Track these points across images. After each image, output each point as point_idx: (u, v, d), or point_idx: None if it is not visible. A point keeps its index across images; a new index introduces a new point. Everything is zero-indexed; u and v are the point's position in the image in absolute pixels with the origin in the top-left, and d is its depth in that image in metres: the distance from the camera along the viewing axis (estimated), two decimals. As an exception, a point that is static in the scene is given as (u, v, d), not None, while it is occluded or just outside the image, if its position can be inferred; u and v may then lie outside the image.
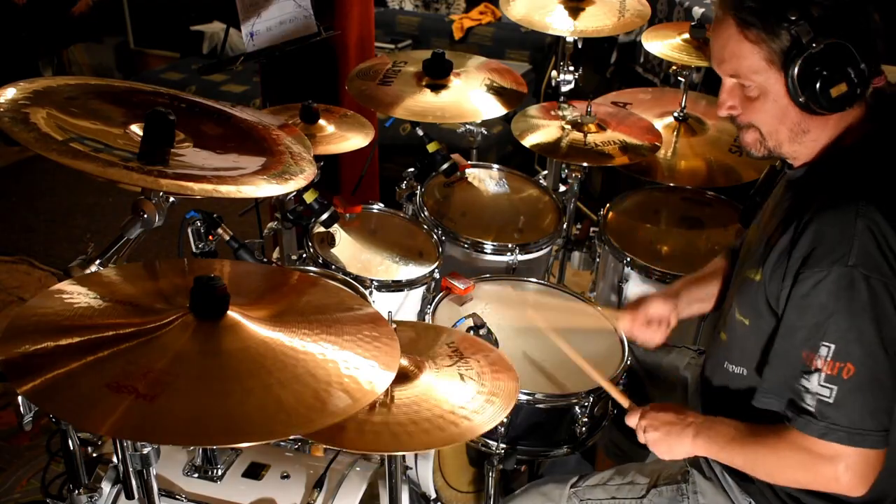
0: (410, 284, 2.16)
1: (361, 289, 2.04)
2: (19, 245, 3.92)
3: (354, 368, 1.22)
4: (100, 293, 1.26)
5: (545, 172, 2.90)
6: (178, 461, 1.61)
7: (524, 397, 1.73)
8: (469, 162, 2.69)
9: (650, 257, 2.33)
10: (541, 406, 1.76)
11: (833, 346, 1.30)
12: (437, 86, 2.38)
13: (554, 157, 2.65)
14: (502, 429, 1.74)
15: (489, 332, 1.77)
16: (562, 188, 2.75)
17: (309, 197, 2.12)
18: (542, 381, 1.78)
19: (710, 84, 3.33)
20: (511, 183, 2.64)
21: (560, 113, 2.58)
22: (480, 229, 2.39)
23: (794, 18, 1.30)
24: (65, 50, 5.48)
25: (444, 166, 2.47)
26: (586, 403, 1.77)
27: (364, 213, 2.39)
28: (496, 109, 2.34)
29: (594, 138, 2.45)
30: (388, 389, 1.32)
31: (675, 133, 2.72)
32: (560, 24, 2.60)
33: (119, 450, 1.30)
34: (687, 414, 1.52)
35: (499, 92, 2.40)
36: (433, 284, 2.19)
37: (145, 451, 1.27)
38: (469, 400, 1.44)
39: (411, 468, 1.89)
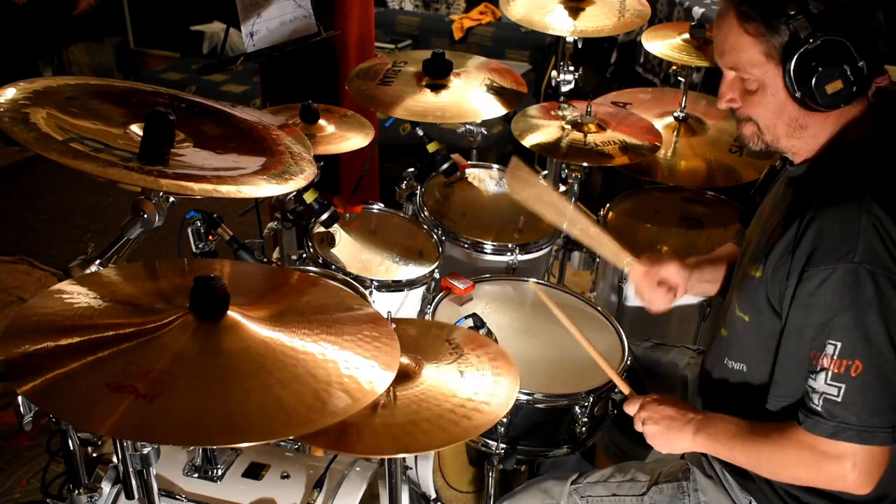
0: (410, 284, 2.16)
1: (361, 289, 2.04)
2: (19, 245, 3.92)
3: (354, 368, 1.22)
4: (100, 293, 1.26)
5: (545, 172, 2.90)
6: (178, 461, 1.61)
7: (524, 397, 1.73)
8: (469, 162, 2.69)
9: (650, 257, 2.32)
10: (541, 406, 1.76)
11: (840, 344, 1.29)
12: (437, 86, 2.38)
13: (554, 157, 2.64)
14: (502, 429, 1.75)
15: (489, 332, 1.77)
16: (562, 188, 2.74)
17: (309, 197, 2.12)
18: (541, 381, 1.78)
19: (710, 84, 3.33)
20: (511, 183, 2.64)
21: (560, 113, 2.58)
22: (480, 229, 2.39)
23: (792, 13, 1.31)
24: (65, 50, 5.48)
25: (444, 166, 2.47)
26: (586, 403, 1.77)
27: (364, 213, 2.39)
28: (496, 109, 2.34)
29: (594, 138, 2.45)
30: (389, 389, 1.32)
31: (675, 133, 2.72)
32: (560, 24, 2.59)
33: (119, 450, 1.30)
34: (687, 409, 1.52)
35: (499, 92, 2.40)
36: (433, 284, 2.19)
37: (145, 451, 1.27)
38: (471, 395, 1.44)
39: (411, 468, 1.89)
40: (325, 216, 2.16)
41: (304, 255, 2.21)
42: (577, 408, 1.77)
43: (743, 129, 1.46)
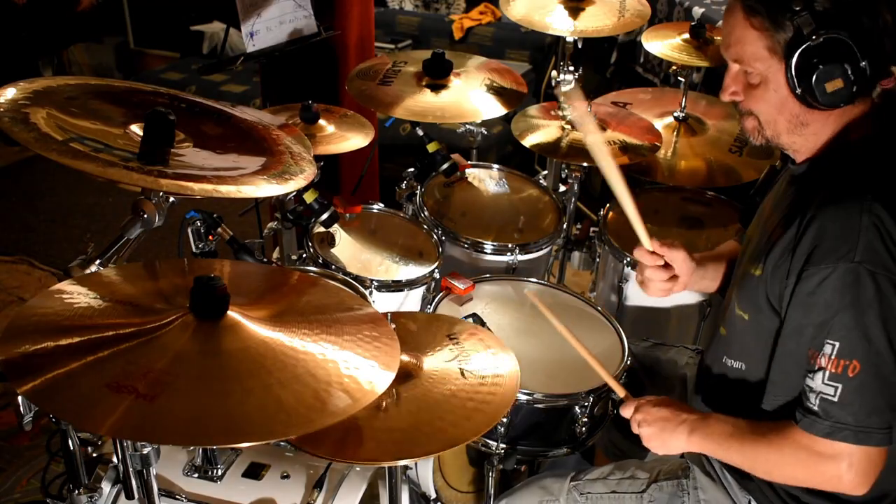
0: (410, 284, 2.16)
1: (361, 289, 2.04)
2: (19, 245, 3.92)
3: (354, 368, 1.22)
4: (100, 293, 1.26)
5: (545, 172, 2.90)
6: (178, 461, 1.61)
7: (524, 397, 1.73)
8: (469, 162, 2.69)
9: (650, 257, 2.32)
10: (540, 406, 1.76)
11: (838, 344, 1.29)
12: (437, 86, 2.38)
13: (554, 157, 2.65)
14: (502, 429, 1.75)
15: (489, 332, 1.77)
16: (562, 188, 2.74)
17: (309, 197, 2.12)
18: (541, 381, 1.78)
19: (710, 84, 3.33)
20: (511, 183, 2.64)
21: (560, 113, 2.58)
22: (480, 229, 2.39)
23: (797, 9, 1.31)
24: (65, 50, 5.48)
25: (444, 166, 2.47)
26: (586, 403, 1.77)
27: (364, 213, 2.39)
28: (496, 109, 2.34)
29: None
30: (390, 389, 1.32)
31: (675, 133, 2.72)
32: (560, 24, 2.59)
33: (119, 450, 1.30)
34: (682, 410, 1.52)
35: (499, 92, 2.40)
36: (433, 284, 2.19)
37: (145, 451, 1.27)
38: (471, 395, 1.45)
39: (411, 468, 1.89)
40: (325, 216, 2.16)
41: (304, 255, 2.21)
42: (576, 408, 1.77)
43: (744, 122, 1.47)
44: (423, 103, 2.32)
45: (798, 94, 1.35)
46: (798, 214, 1.38)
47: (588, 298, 2.15)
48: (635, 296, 2.32)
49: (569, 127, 2.50)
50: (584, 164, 2.56)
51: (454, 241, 2.33)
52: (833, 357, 1.29)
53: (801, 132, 1.41)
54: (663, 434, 1.50)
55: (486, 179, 2.64)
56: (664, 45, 2.69)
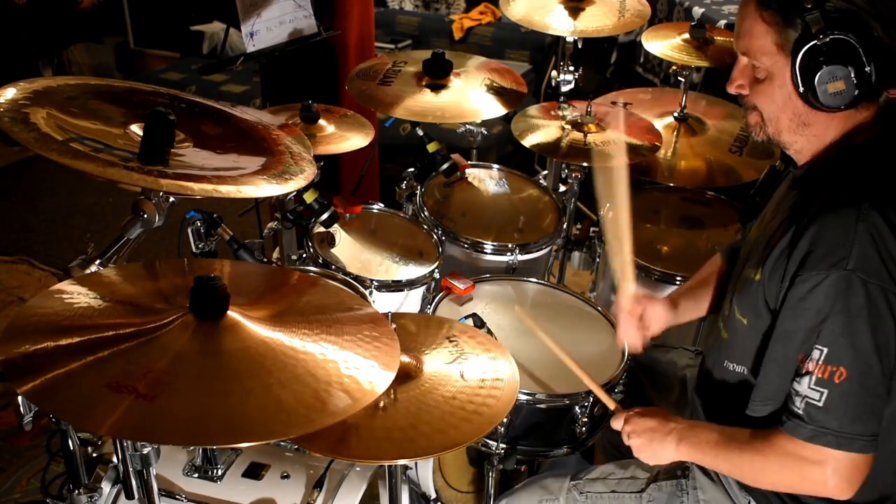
0: (410, 284, 2.16)
1: (361, 289, 2.04)
2: (19, 245, 3.92)
3: (354, 368, 1.22)
4: (100, 293, 1.26)
5: (545, 172, 2.90)
6: (178, 461, 1.61)
7: (524, 397, 1.73)
8: (469, 162, 2.69)
9: (650, 257, 2.32)
10: (541, 406, 1.76)
11: (826, 350, 1.29)
12: (437, 86, 2.38)
13: (554, 157, 2.64)
14: (502, 429, 1.75)
15: (489, 332, 1.77)
16: (562, 188, 2.74)
17: (309, 197, 2.12)
18: (542, 382, 1.78)
19: (710, 84, 3.33)
20: (511, 183, 2.64)
21: (560, 113, 2.58)
22: (480, 229, 2.39)
23: (809, 7, 1.30)
24: (65, 50, 5.48)
25: (444, 166, 2.47)
26: (586, 403, 1.77)
27: (364, 213, 2.39)
28: (496, 109, 2.34)
29: (594, 138, 2.45)
30: (389, 389, 1.32)
31: (675, 133, 2.72)
32: (560, 24, 2.60)
33: (119, 450, 1.30)
34: (669, 420, 1.52)
35: (499, 92, 2.40)
36: (433, 284, 2.19)
37: (145, 451, 1.27)
38: (471, 396, 1.45)
39: (411, 468, 1.89)
40: (325, 216, 2.16)
41: (304, 255, 2.21)
42: (577, 408, 1.77)
43: (748, 116, 1.47)
44: (423, 103, 2.32)
45: (801, 93, 1.35)
46: (796, 218, 1.37)
47: (588, 298, 2.15)
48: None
49: (569, 127, 2.50)
50: (584, 164, 2.55)
51: (454, 241, 2.33)
52: (821, 362, 1.29)
53: (802, 132, 1.41)
54: (652, 444, 1.50)
55: (486, 179, 2.64)
56: (664, 45, 2.69)
